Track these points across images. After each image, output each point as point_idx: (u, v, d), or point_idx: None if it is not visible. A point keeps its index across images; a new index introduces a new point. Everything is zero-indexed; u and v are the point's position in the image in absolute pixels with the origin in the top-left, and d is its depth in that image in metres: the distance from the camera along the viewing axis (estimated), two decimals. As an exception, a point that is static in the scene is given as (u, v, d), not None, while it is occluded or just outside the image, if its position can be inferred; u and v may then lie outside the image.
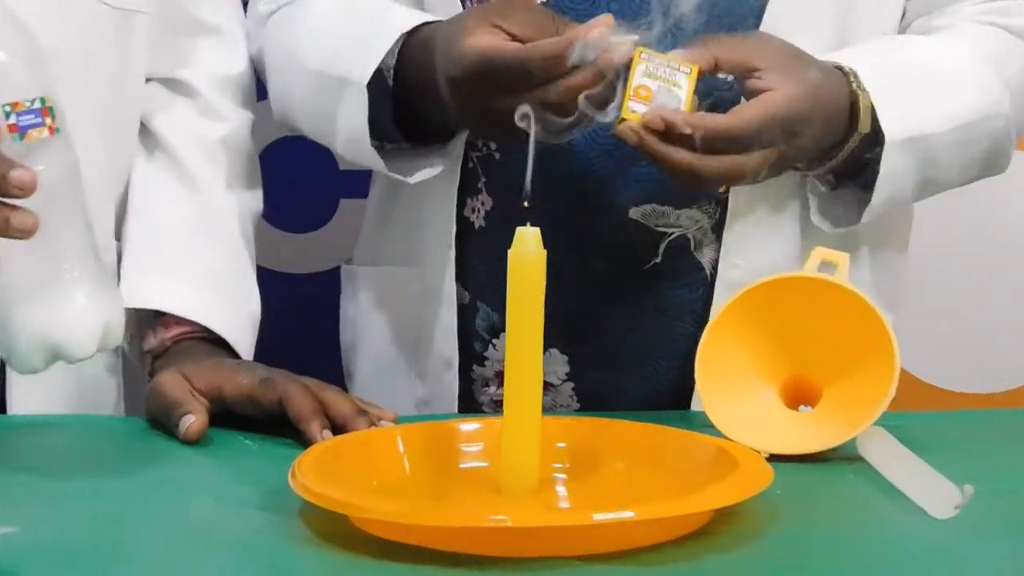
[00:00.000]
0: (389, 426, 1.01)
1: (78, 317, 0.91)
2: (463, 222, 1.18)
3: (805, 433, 0.99)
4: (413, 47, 1.12)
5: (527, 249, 0.85)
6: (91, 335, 0.91)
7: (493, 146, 1.15)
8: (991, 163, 1.17)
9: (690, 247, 1.15)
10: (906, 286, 1.27)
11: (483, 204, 1.17)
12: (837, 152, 1.10)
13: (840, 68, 1.10)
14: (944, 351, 1.73)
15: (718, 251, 1.14)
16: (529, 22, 1.04)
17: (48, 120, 0.88)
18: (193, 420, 1.02)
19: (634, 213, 1.13)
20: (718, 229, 1.13)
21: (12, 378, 1.10)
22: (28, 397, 1.11)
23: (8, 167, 0.87)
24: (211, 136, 1.26)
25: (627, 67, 1.04)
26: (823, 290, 1.00)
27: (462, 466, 0.94)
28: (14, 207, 0.87)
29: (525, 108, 0.97)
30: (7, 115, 0.87)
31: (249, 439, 1.03)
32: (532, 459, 0.86)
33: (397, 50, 1.12)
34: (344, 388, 1.29)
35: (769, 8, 1.11)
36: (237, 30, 1.30)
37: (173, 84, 1.26)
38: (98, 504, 0.89)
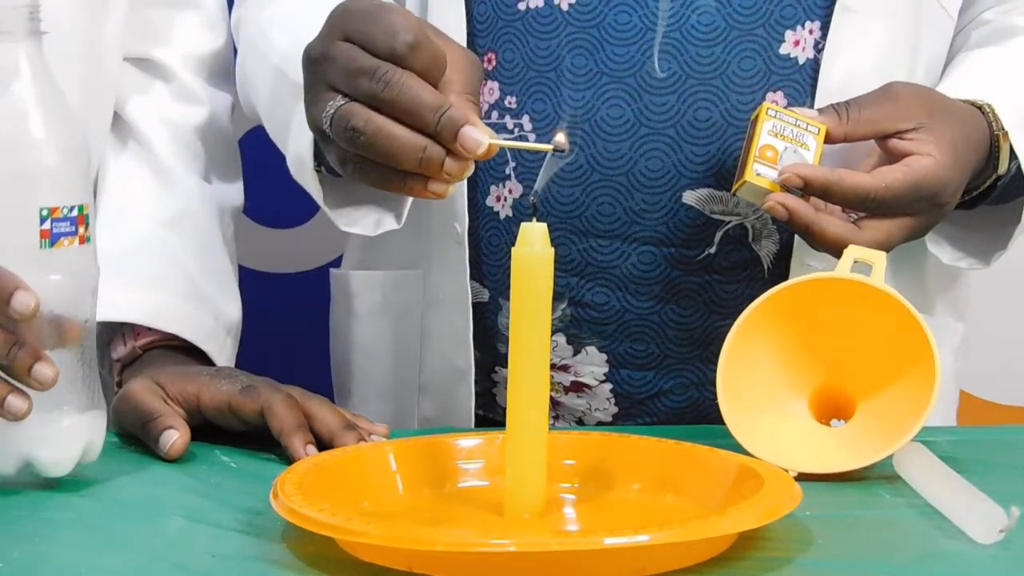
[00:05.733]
0: (381, 441, 1.02)
1: (62, 439, 0.95)
2: (486, 212, 1.19)
3: (837, 450, 0.99)
4: None
5: (533, 248, 0.85)
6: (71, 457, 0.95)
7: (527, 127, 1.16)
8: None
9: (748, 238, 1.15)
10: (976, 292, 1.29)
11: (511, 192, 1.18)
12: (971, 191, 1.13)
13: (975, 105, 1.12)
14: (994, 363, 1.73)
15: (778, 243, 1.15)
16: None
17: (81, 230, 0.92)
18: (177, 436, 1.02)
19: (688, 198, 1.14)
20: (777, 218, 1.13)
21: None
22: None
23: (33, 358, 0.90)
24: (187, 123, 1.26)
25: (753, 122, 1.07)
26: (857, 292, 1.01)
27: (461, 485, 0.94)
28: (39, 357, 0.91)
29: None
30: (43, 220, 0.90)
31: (227, 455, 1.03)
32: (537, 478, 0.86)
33: None
34: (333, 402, 1.29)
35: None
36: (216, 3, 1.29)
37: (147, 65, 1.26)
38: (65, 524, 0.89)
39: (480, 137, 0.93)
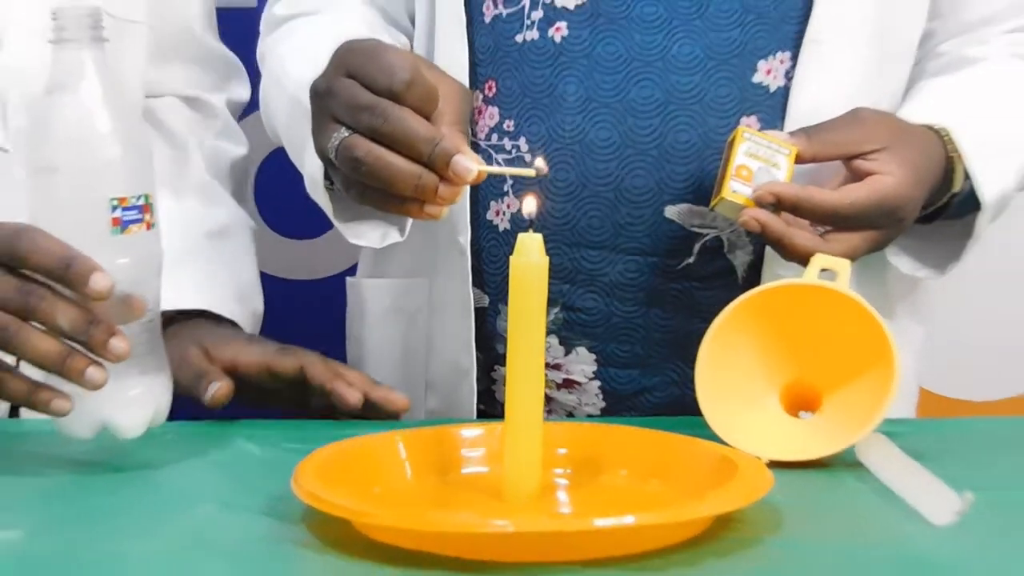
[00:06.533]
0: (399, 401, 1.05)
1: (133, 404, 0.96)
2: (487, 225, 1.19)
3: (805, 439, 0.99)
4: None
5: (529, 257, 0.85)
6: (142, 420, 0.96)
7: (524, 147, 1.16)
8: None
9: (724, 249, 1.15)
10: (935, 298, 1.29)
11: (508, 207, 1.18)
12: (928, 208, 1.13)
13: (932, 129, 1.12)
14: (946, 360, 1.73)
15: (752, 254, 1.15)
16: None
17: (147, 216, 0.93)
18: (220, 385, 1.04)
19: (670, 212, 1.14)
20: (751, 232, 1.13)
21: None
22: None
23: (108, 334, 0.91)
24: (226, 157, 1.29)
25: (729, 144, 1.07)
26: (824, 297, 1.01)
27: (464, 472, 0.94)
28: (113, 332, 0.91)
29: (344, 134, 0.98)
30: (112, 208, 0.91)
31: (252, 444, 1.03)
32: (533, 465, 0.86)
33: None
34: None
35: (814, 15, 1.13)
36: (236, 59, 1.32)
37: (195, 103, 1.29)
38: (101, 510, 0.89)
39: (470, 165, 0.96)
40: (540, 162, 0.94)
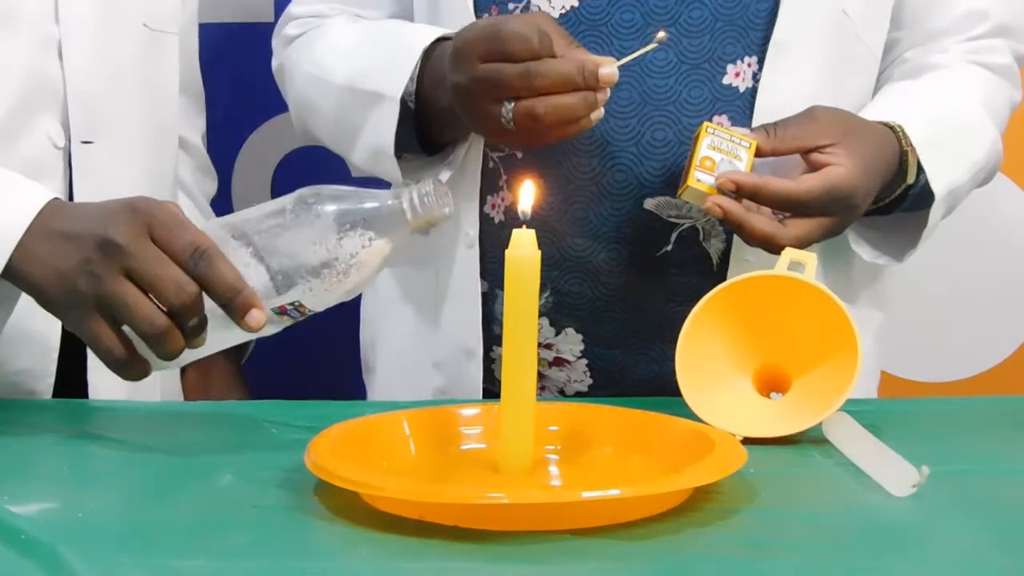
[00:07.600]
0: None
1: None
2: (484, 218, 1.19)
3: (776, 418, 0.99)
4: (431, 61, 1.14)
5: (523, 250, 0.85)
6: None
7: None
8: (982, 186, 1.23)
9: (699, 237, 1.15)
10: (895, 287, 1.30)
11: (503, 200, 1.18)
12: (884, 198, 1.14)
13: (888, 125, 1.13)
14: (905, 345, 1.73)
15: (725, 242, 1.15)
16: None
17: (299, 317, 0.94)
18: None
19: (649, 204, 1.14)
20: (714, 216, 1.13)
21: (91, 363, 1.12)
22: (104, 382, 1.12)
23: (203, 331, 0.91)
24: (203, 193, 1.29)
25: (695, 138, 1.08)
26: (793, 287, 1.01)
27: (463, 448, 0.94)
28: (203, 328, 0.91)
29: (508, 105, 1.04)
30: (288, 305, 0.92)
31: (269, 423, 1.03)
32: (527, 441, 0.86)
33: (417, 72, 1.14)
34: (360, 383, 1.29)
35: (778, 22, 1.13)
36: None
37: (182, 143, 1.29)
38: (130, 481, 0.89)
39: (613, 69, 1.04)
40: (661, 33, 1.06)
